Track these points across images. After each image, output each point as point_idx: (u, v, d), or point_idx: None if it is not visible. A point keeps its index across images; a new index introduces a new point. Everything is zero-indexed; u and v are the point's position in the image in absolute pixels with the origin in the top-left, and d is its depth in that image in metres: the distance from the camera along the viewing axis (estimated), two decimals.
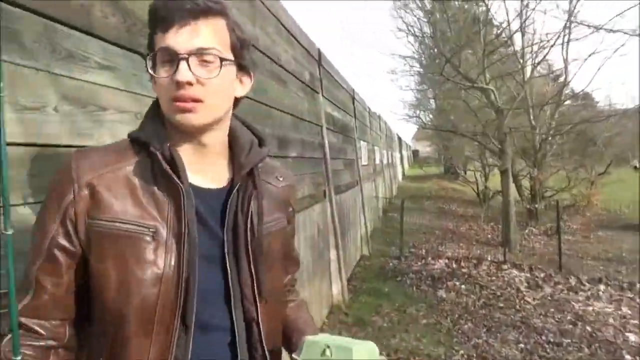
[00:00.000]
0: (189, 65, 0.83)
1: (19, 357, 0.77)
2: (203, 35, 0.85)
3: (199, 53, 0.85)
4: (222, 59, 0.87)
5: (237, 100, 1.00)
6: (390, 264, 7.34)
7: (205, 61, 0.86)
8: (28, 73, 1.24)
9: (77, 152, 0.89)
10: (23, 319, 0.82)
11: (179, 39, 0.84)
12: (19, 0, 1.22)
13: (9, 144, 1.13)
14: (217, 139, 0.96)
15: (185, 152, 0.92)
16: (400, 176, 25.60)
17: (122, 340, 0.83)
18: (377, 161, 12.77)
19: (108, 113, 1.55)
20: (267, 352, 0.96)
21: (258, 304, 0.95)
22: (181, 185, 0.86)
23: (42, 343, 0.83)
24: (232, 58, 0.91)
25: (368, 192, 9.54)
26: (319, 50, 5.52)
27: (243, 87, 0.98)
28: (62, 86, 1.36)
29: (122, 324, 0.83)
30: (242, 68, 0.95)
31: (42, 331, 0.83)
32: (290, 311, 1.19)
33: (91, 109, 1.47)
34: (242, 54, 0.93)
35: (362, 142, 9.23)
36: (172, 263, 0.85)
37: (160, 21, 0.85)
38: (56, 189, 0.86)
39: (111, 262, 0.83)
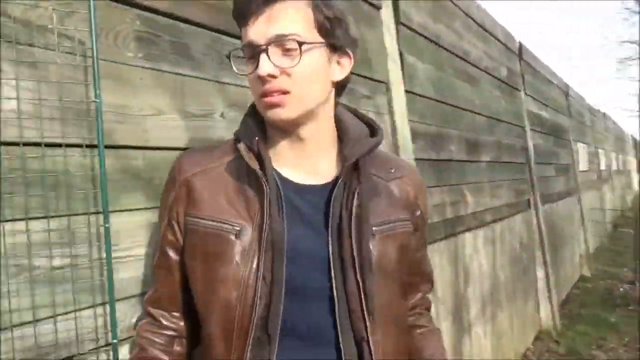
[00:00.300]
0: (268, 56, 0.76)
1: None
2: (281, 20, 0.78)
3: (278, 41, 0.77)
4: (301, 44, 0.77)
5: (339, 86, 0.89)
6: (621, 289, 6.12)
7: (288, 49, 0.77)
8: (197, 83, 1.34)
9: (184, 152, 0.90)
10: (150, 309, 0.86)
11: (257, 29, 0.78)
12: (190, 17, 1.33)
13: (177, 149, 1.23)
14: (317, 131, 0.87)
15: (283, 148, 0.86)
16: (636, 184, 21.44)
17: (208, 340, 0.80)
18: (603, 166, 10.90)
19: None
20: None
21: (367, 321, 0.81)
22: (264, 180, 0.80)
23: (166, 332, 0.86)
24: (321, 40, 0.81)
25: (590, 202, 8.18)
26: (519, 43, 4.97)
27: (342, 69, 0.87)
28: (229, 94, 1.44)
29: (207, 324, 0.81)
30: (336, 49, 0.85)
31: (164, 321, 0.86)
32: (417, 339, 0.99)
33: None
34: (334, 34, 0.83)
35: (579, 144, 7.99)
36: (254, 265, 0.78)
37: (240, 16, 0.81)
38: (165, 187, 0.89)
39: (199, 259, 0.82)
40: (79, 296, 0.99)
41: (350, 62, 0.89)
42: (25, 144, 0.95)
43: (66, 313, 0.98)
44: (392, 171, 0.96)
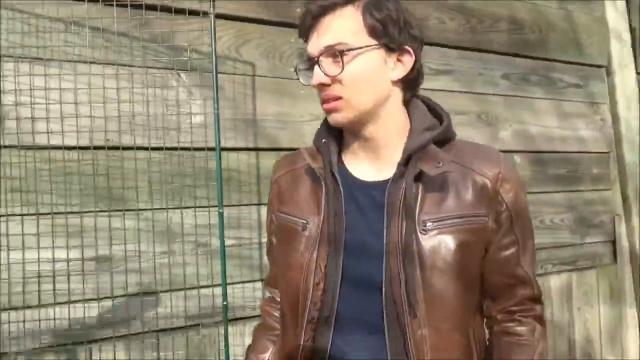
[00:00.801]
0: (320, 66, 0.80)
1: None
2: (329, 32, 0.80)
3: (327, 51, 0.80)
4: (342, 52, 0.77)
5: (407, 81, 0.85)
6: None
7: (336, 58, 0.79)
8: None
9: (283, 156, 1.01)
10: (267, 287, 1.01)
11: (312, 43, 0.82)
12: None
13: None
14: (380, 130, 0.87)
15: (354, 147, 0.88)
16: None
17: (282, 319, 0.89)
18: None
19: None
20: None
21: (407, 315, 0.81)
22: (323, 179, 0.85)
23: (279, 306, 0.99)
24: (374, 43, 0.81)
25: None
26: None
27: (403, 66, 0.84)
28: None
29: (282, 305, 0.89)
30: (393, 49, 0.83)
31: (277, 297, 0.99)
32: (502, 347, 0.91)
33: None
34: (388, 34, 0.82)
35: None
36: (314, 254, 0.83)
37: (302, 34, 0.86)
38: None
39: (280, 248, 0.91)
40: (243, 270, 1.23)
41: (412, 59, 0.86)
42: (209, 149, 1.22)
43: (232, 283, 1.22)
44: (468, 164, 0.88)
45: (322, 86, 0.81)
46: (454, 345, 0.86)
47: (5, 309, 1.04)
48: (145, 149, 1.17)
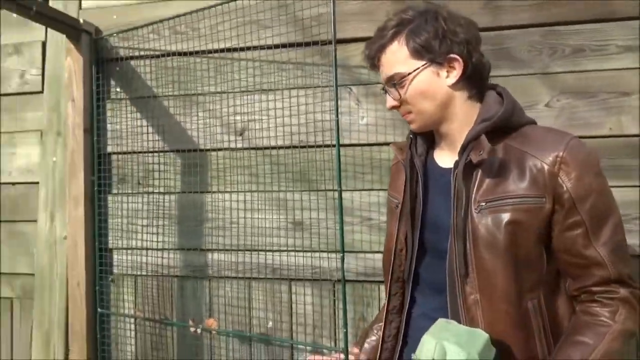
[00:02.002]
0: (387, 93, 1.04)
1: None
2: (385, 65, 1.02)
3: (389, 81, 1.02)
4: (398, 80, 1.00)
5: (467, 79, 0.96)
6: None
7: (395, 84, 1.01)
8: (516, 80, 1.49)
9: None
10: None
11: (380, 74, 1.05)
12: (511, 23, 1.51)
13: None
14: (452, 126, 1.03)
15: (438, 142, 1.09)
16: None
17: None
18: None
19: (632, 98, 1.43)
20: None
21: (460, 282, 0.95)
22: (405, 167, 1.07)
23: None
24: (422, 63, 0.98)
25: None
26: None
27: (456, 71, 0.99)
28: (558, 82, 1.48)
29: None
30: (440, 62, 0.98)
31: None
32: (578, 322, 0.96)
33: (603, 97, 1.45)
34: (431, 52, 0.97)
35: None
36: (400, 228, 1.07)
37: (372, 70, 1.09)
38: None
39: (387, 223, 1.19)
40: None
41: (461, 63, 0.96)
42: (378, 144, 1.57)
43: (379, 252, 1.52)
44: (527, 149, 0.95)
45: (394, 108, 1.05)
46: (504, 314, 0.98)
47: (241, 250, 1.66)
48: (329, 146, 1.60)
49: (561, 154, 0.94)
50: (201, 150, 1.73)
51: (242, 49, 1.67)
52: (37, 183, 1.90)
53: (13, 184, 1.95)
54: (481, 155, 0.94)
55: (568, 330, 0.97)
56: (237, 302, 1.69)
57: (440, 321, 0.95)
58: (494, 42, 1.52)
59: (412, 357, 0.88)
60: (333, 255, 1.59)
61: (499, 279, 0.96)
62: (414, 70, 0.99)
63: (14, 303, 1.93)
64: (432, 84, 1.00)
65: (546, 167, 0.94)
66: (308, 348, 1.60)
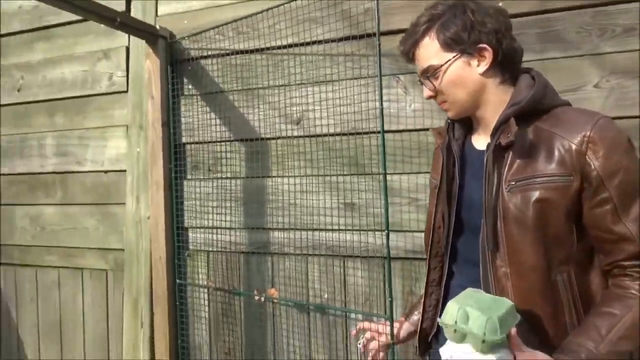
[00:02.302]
0: (423, 84, 1.12)
1: None
2: (420, 59, 1.10)
3: (424, 73, 1.09)
4: (432, 72, 1.07)
5: (499, 65, 1.05)
6: None
7: (429, 76, 1.08)
8: (565, 62, 1.51)
9: None
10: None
11: (416, 67, 1.13)
12: (559, 5, 1.52)
13: None
14: (487, 111, 1.10)
15: (475, 126, 1.16)
16: None
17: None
18: None
19: None
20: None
21: (489, 257, 1.04)
22: (441, 150, 1.15)
23: None
24: (453, 55, 1.05)
25: None
26: None
27: (486, 59, 1.05)
28: (608, 63, 1.48)
29: None
30: (470, 52, 1.04)
31: None
32: (608, 293, 1.03)
33: None
34: (461, 43, 1.04)
35: None
36: (438, 206, 1.17)
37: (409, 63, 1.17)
38: None
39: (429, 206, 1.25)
40: None
41: (490, 52, 1.01)
42: (420, 130, 1.66)
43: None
44: (556, 130, 0.99)
45: (430, 97, 1.14)
46: (532, 286, 1.04)
47: (299, 229, 1.82)
48: (377, 132, 1.70)
49: (589, 133, 0.98)
50: (262, 139, 1.91)
51: (297, 45, 1.81)
52: (125, 171, 2.18)
53: (105, 172, 2.25)
54: (509, 137, 1.01)
55: (598, 302, 1.02)
56: (295, 275, 1.86)
57: (468, 290, 1.03)
58: (542, 25, 1.55)
59: (438, 321, 0.98)
60: (381, 233, 1.70)
61: (527, 253, 1.03)
62: (446, 62, 1.06)
63: (108, 274, 2.24)
64: (464, 74, 1.07)
65: (574, 146, 0.99)
66: (359, 317, 1.73)
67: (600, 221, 0.99)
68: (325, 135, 1.80)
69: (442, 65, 1.07)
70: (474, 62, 1.06)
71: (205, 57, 2.01)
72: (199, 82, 2.04)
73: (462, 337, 0.93)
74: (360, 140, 1.74)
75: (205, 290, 2.04)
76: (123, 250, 2.17)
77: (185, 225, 2.07)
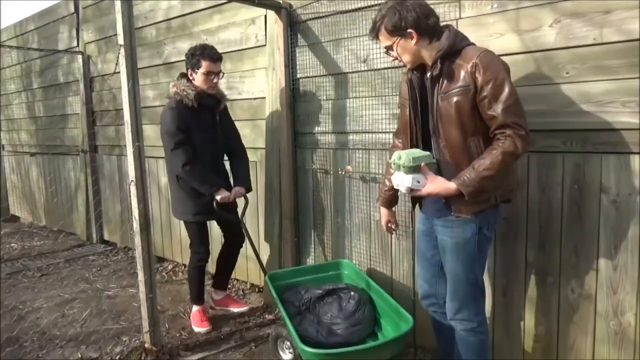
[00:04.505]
0: (388, 53, 1.95)
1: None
2: (381, 42, 1.91)
3: (386, 49, 1.94)
4: (388, 48, 1.90)
5: (426, 36, 1.85)
6: None
7: (388, 50, 1.92)
8: (530, 10, 2.17)
9: None
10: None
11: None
12: None
13: (513, 54, 2.24)
14: (426, 60, 1.91)
15: (426, 69, 1.94)
16: None
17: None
18: None
19: (613, 14, 1.99)
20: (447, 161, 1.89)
21: (434, 137, 1.91)
22: (406, 80, 1.98)
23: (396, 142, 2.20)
24: (395, 38, 1.86)
25: None
26: None
27: (414, 38, 1.85)
28: (559, 9, 2.10)
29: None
30: (404, 34, 1.85)
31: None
32: (487, 150, 1.82)
33: (591, 16, 2.04)
34: (398, 30, 1.85)
35: None
36: (411, 113, 1.98)
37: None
38: None
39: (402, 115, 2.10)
40: None
41: (414, 33, 1.81)
42: None
43: None
44: (463, 60, 1.78)
45: (395, 59, 2.01)
46: (458, 149, 1.93)
47: (364, 132, 2.83)
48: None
49: (475, 60, 1.79)
50: (343, 73, 2.92)
51: (364, 9, 2.73)
52: (264, 97, 3.40)
53: (254, 99, 3.51)
54: (436, 71, 1.87)
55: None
56: (362, 161, 2.90)
57: (412, 149, 1.97)
58: None
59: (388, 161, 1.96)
60: None
61: (453, 133, 1.89)
62: (393, 43, 1.92)
63: (258, 164, 3.56)
64: (405, 46, 1.90)
65: (469, 69, 1.81)
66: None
67: (483, 108, 1.81)
68: (381, 69, 2.73)
69: (392, 45, 1.93)
70: (408, 40, 1.90)
71: (311, 20, 3.06)
72: (307, 37, 3.10)
73: (397, 168, 1.89)
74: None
75: (311, 171, 3.22)
76: (264, 148, 3.45)
77: (300, 131, 3.23)
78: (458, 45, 1.86)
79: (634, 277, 2.04)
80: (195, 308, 3.23)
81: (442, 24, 1.92)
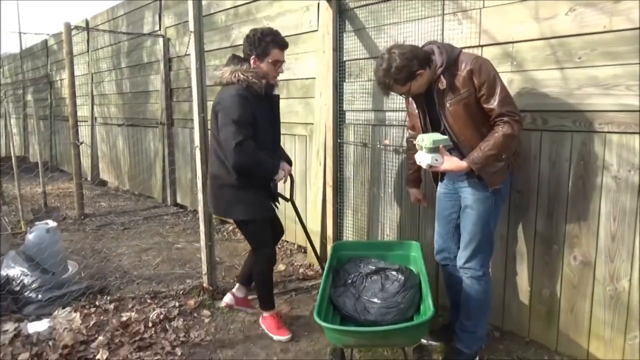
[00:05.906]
0: (405, 98, 2.39)
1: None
2: (396, 93, 2.27)
3: (403, 95, 2.36)
4: (403, 94, 2.29)
5: (427, 66, 2.17)
6: None
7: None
8: (547, 1, 2.37)
9: None
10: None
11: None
12: None
13: (530, 40, 2.46)
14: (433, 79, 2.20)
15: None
16: None
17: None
18: None
19: (621, 4, 2.15)
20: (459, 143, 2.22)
21: (447, 129, 2.22)
22: (413, 99, 2.34)
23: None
24: (408, 84, 2.21)
25: None
26: None
27: (425, 75, 2.18)
28: None
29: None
30: (415, 78, 2.17)
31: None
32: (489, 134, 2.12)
33: (601, 5, 2.21)
34: (409, 78, 2.17)
35: None
36: (421, 117, 2.32)
37: None
38: None
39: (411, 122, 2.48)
40: None
41: (422, 71, 2.16)
42: None
43: None
44: (459, 69, 2.09)
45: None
46: (474, 139, 2.23)
47: (399, 110, 3.14)
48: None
49: (470, 67, 2.10)
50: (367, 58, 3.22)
51: None
52: (314, 78, 3.79)
53: (307, 79, 3.91)
54: (442, 85, 2.17)
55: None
56: (396, 137, 3.22)
57: (433, 133, 2.29)
58: None
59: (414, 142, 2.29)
60: None
61: (466, 126, 2.20)
62: (409, 88, 2.20)
63: (307, 138, 3.98)
64: (419, 83, 2.18)
65: (466, 75, 2.13)
66: None
67: (483, 103, 2.12)
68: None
69: (408, 89, 2.23)
70: (418, 78, 2.19)
71: (357, 8, 3.38)
72: (353, 23, 3.43)
73: (420, 148, 2.22)
74: None
75: (351, 146, 3.57)
76: (313, 123, 3.85)
77: (344, 108, 3.59)
78: (453, 57, 2.16)
79: (630, 247, 2.23)
80: (268, 313, 2.91)
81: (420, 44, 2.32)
